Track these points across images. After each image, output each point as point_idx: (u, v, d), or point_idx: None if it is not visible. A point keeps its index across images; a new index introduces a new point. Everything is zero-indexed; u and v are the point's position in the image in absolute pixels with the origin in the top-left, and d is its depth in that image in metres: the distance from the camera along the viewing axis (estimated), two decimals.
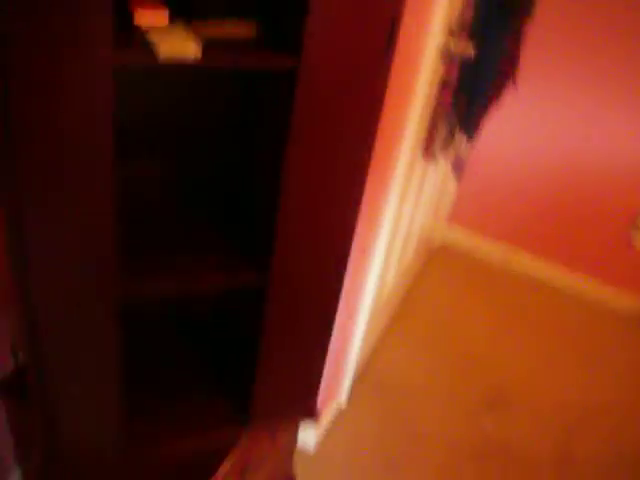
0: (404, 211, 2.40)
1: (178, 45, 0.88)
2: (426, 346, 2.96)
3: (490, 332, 3.11)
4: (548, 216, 3.37)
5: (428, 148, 2.27)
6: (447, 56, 2.04)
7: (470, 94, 2.21)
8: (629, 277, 3.30)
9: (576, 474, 2.46)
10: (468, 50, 2.03)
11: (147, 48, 0.87)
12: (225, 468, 1.40)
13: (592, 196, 3.21)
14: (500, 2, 2.07)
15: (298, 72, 0.92)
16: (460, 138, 2.56)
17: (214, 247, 1.22)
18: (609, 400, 2.83)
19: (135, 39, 0.92)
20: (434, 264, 3.50)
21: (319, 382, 1.41)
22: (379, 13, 0.95)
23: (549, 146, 3.18)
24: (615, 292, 3.37)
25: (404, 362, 2.85)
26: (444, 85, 2.14)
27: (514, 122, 3.18)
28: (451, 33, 2.02)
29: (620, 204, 3.16)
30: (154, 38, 0.91)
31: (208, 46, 0.89)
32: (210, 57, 0.88)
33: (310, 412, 1.46)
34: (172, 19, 1.02)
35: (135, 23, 0.99)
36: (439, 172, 2.91)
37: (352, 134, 1.04)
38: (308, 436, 2.31)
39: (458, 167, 2.73)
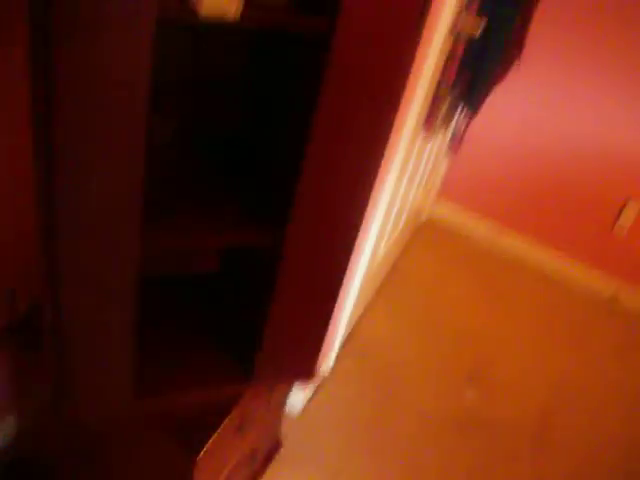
0: (401, 183, 2.43)
1: (220, 2, 0.88)
2: (410, 318, 3.01)
3: (474, 308, 3.16)
4: (536, 197, 3.42)
5: (430, 122, 2.29)
6: (455, 32, 2.06)
7: (475, 71, 2.23)
8: (612, 262, 3.38)
9: (553, 451, 2.54)
10: (477, 27, 2.05)
11: (187, 2, 0.87)
12: (226, 425, 1.43)
13: (581, 182, 3.27)
14: None
15: (333, 36, 0.93)
16: (461, 113, 2.59)
17: (232, 203, 1.23)
18: (589, 381, 2.91)
19: None
20: (422, 238, 3.54)
21: (322, 344, 1.45)
22: None
23: (542, 129, 3.22)
24: (598, 276, 3.45)
25: (388, 332, 2.90)
26: (450, 60, 2.15)
27: (510, 103, 3.20)
28: (461, 9, 2.03)
29: (608, 191, 3.22)
30: None
31: (245, 4, 0.90)
32: (248, 17, 0.89)
33: (310, 373, 1.49)
34: None
35: None
36: (435, 146, 2.93)
37: (380, 100, 1.06)
38: (294, 399, 2.36)
39: (456, 142, 2.75)
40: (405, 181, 2.50)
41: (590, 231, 3.37)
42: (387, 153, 1.94)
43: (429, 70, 1.90)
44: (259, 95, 1.31)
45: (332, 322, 2.32)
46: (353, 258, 2.13)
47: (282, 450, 2.21)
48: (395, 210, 2.57)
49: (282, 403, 1.99)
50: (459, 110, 2.50)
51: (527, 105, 3.19)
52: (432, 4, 1.76)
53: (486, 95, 2.37)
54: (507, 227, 3.57)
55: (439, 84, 2.19)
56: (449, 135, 2.85)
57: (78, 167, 0.93)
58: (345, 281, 1.36)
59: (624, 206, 3.21)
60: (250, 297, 1.44)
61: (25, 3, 0.85)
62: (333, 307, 1.38)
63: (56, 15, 0.79)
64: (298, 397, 2.36)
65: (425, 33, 1.79)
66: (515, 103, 3.20)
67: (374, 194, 2.03)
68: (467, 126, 2.60)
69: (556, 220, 3.42)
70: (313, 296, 1.34)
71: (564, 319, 3.26)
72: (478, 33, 2.06)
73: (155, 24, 0.79)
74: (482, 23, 2.05)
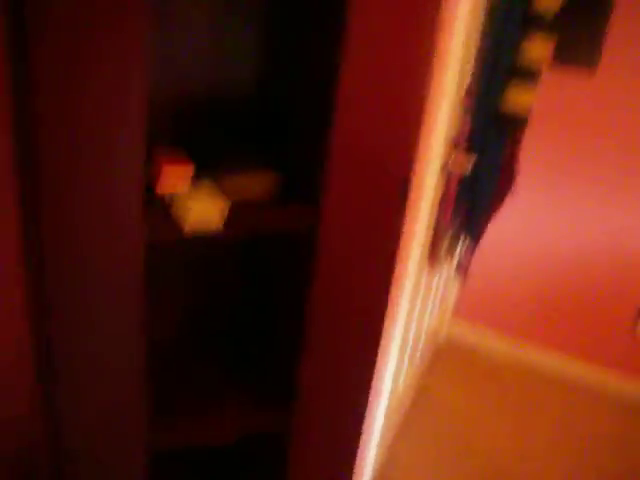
0: (413, 316, 2.43)
1: (203, 216, 0.92)
2: (439, 450, 2.92)
3: (501, 427, 3.07)
4: (553, 308, 3.40)
5: (433, 255, 2.31)
6: (447, 170, 2.11)
7: (471, 203, 2.27)
8: (638, 365, 3.31)
9: None
10: (467, 164, 2.11)
11: (173, 221, 0.91)
12: None
13: (597, 288, 3.25)
14: (496, 117, 2.16)
15: (318, 231, 0.96)
16: (464, 243, 2.62)
17: (237, 394, 1.23)
18: None
19: (159, 205, 0.96)
20: (441, 361, 3.49)
21: None
22: (393, 172, 1.00)
23: (550, 240, 3.24)
24: (626, 381, 3.36)
25: (417, 468, 2.80)
26: (445, 197, 2.20)
27: (517, 217, 3.25)
28: (450, 148, 2.10)
29: (625, 295, 3.20)
30: (179, 205, 0.95)
31: (230, 211, 0.94)
32: (232, 226, 0.92)
33: None
34: (197, 171, 1.07)
35: (161, 182, 1.04)
36: (443, 275, 2.95)
37: (371, 278, 1.08)
38: None
39: (462, 270, 2.77)
40: (416, 313, 2.50)
41: (611, 336, 3.31)
42: (395, 291, 1.95)
43: (425, 211, 1.94)
44: (254, 284, 1.34)
45: (357, 468, 2.26)
46: (370, 407, 2.10)
47: None
48: (410, 341, 2.56)
49: None
50: (462, 240, 2.53)
51: (533, 219, 3.23)
52: (421, 146, 1.82)
53: (485, 225, 2.41)
54: (526, 340, 3.52)
55: (438, 220, 2.23)
56: (455, 263, 2.87)
57: (79, 373, 0.94)
58: (365, 430, 1.33)
59: None
60: (267, 466, 1.41)
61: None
62: (354, 461, 1.35)
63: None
64: None
65: (419, 175, 1.84)
66: (521, 217, 3.24)
67: (388, 334, 2.02)
68: (472, 254, 2.62)
69: (575, 328, 3.38)
70: (333, 452, 1.31)
71: (596, 430, 3.15)
72: (469, 169, 2.11)
73: (143, 248, 0.83)
74: (472, 159, 2.11)
